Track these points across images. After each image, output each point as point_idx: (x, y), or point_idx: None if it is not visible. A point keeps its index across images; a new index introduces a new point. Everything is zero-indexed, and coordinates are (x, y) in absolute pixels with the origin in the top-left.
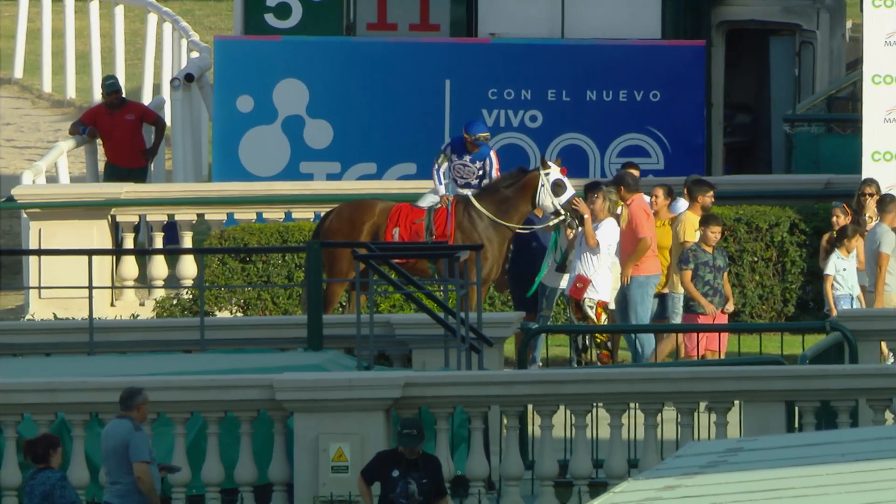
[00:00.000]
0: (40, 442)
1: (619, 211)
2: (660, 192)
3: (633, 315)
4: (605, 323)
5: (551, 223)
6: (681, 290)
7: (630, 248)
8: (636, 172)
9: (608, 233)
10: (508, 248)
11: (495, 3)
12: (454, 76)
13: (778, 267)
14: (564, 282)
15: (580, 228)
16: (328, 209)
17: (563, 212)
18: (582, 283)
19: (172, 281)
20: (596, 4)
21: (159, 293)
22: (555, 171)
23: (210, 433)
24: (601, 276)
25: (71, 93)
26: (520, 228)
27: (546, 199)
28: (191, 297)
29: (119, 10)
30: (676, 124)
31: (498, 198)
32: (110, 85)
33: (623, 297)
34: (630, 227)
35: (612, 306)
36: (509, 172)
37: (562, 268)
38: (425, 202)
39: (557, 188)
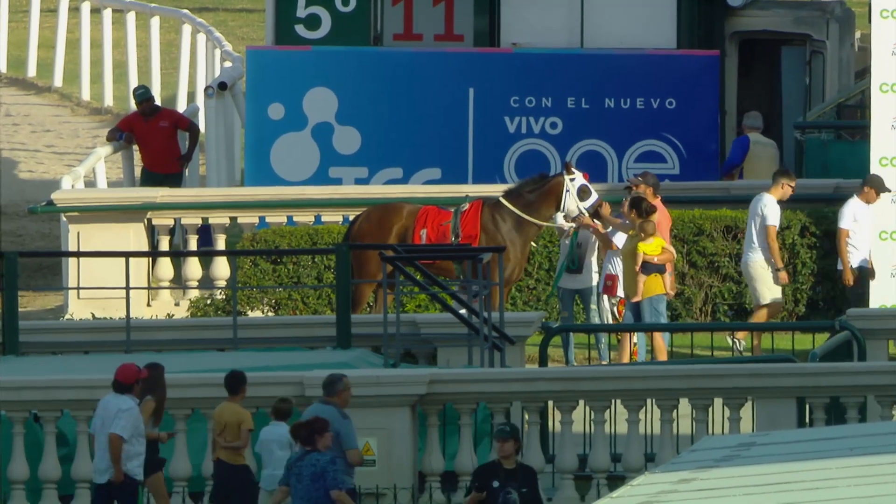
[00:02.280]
0: (308, 425)
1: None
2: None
3: (647, 315)
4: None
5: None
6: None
7: None
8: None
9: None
10: (530, 250)
11: (517, 15)
12: (477, 84)
13: (789, 268)
14: (580, 283)
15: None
16: (356, 212)
17: (586, 214)
18: (612, 280)
19: (206, 282)
20: (613, 15)
21: (194, 293)
22: (579, 177)
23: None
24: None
25: (108, 101)
26: (548, 224)
27: (572, 203)
28: (224, 297)
29: (155, 21)
30: (691, 131)
31: (522, 202)
32: (141, 94)
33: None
34: None
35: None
36: (531, 178)
37: (577, 270)
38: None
39: (583, 193)
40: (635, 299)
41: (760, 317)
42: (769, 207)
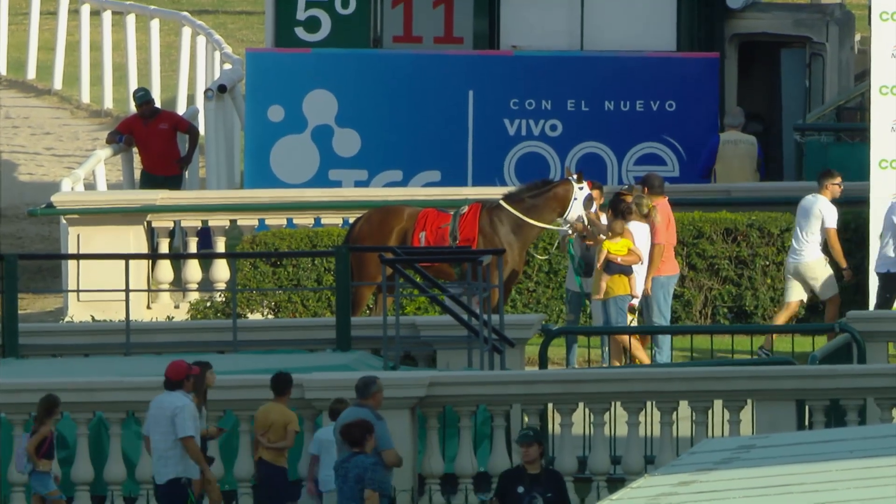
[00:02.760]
0: (357, 426)
1: (645, 211)
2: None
3: (658, 315)
4: (634, 324)
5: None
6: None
7: (651, 251)
8: (629, 198)
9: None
10: (528, 254)
11: (517, 17)
12: (477, 87)
13: None
14: (587, 287)
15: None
16: (356, 215)
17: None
18: None
19: (206, 284)
20: (613, 18)
21: (193, 296)
22: (586, 188)
23: (242, 431)
24: (638, 277)
25: (108, 103)
26: (550, 227)
27: (577, 211)
28: (224, 299)
29: (154, 24)
30: (691, 133)
31: (524, 205)
32: (141, 96)
33: (645, 298)
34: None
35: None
36: (534, 182)
37: (586, 274)
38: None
39: (589, 203)
40: (596, 297)
41: (832, 313)
42: (826, 209)
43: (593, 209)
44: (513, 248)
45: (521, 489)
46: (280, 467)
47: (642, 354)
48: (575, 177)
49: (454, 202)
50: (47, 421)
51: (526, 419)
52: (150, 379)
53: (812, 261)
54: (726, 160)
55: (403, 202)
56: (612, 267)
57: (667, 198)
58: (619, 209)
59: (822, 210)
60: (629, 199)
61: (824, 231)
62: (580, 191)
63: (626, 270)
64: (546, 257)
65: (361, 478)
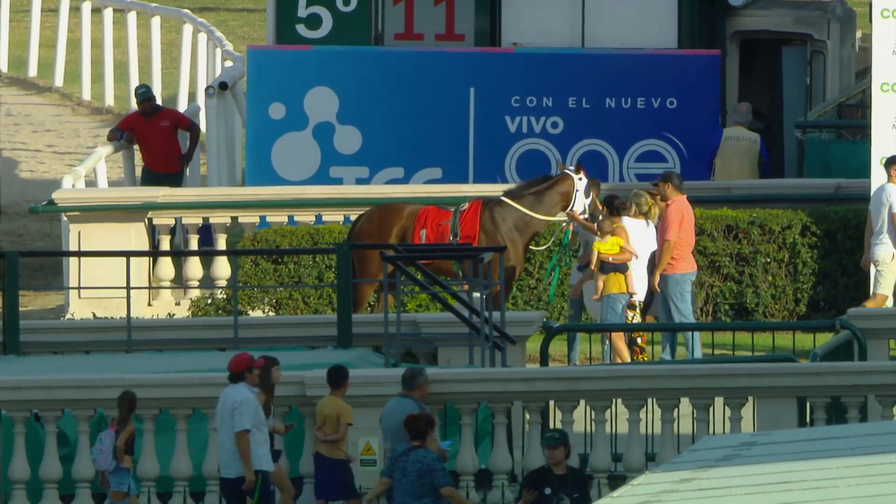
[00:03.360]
0: (422, 419)
1: (645, 209)
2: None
3: (676, 313)
4: (635, 320)
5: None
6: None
7: (660, 248)
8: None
9: (631, 232)
10: (528, 251)
11: (518, 14)
12: (478, 84)
13: (790, 268)
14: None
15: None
16: (357, 212)
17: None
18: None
19: (207, 281)
20: (615, 15)
21: (194, 293)
22: (584, 178)
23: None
24: (635, 274)
25: (109, 100)
26: (554, 220)
27: (581, 202)
28: (225, 296)
29: (155, 21)
30: (692, 130)
31: (527, 202)
32: (142, 93)
33: (663, 297)
34: (662, 227)
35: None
36: (533, 179)
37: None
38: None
39: (588, 191)
40: (594, 298)
41: (878, 303)
42: (893, 195)
43: (590, 199)
44: (516, 244)
45: (548, 490)
46: (336, 459)
47: (624, 352)
48: (573, 168)
49: (455, 199)
50: (130, 417)
51: (528, 416)
52: (152, 376)
53: (882, 251)
54: (725, 156)
55: (404, 199)
56: (605, 266)
57: (685, 195)
58: (613, 206)
59: (887, 198)
60: (657, 196)
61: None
62: (580, 181)
63: (621, 268)
64: (545, 247)
65: (425, 473)
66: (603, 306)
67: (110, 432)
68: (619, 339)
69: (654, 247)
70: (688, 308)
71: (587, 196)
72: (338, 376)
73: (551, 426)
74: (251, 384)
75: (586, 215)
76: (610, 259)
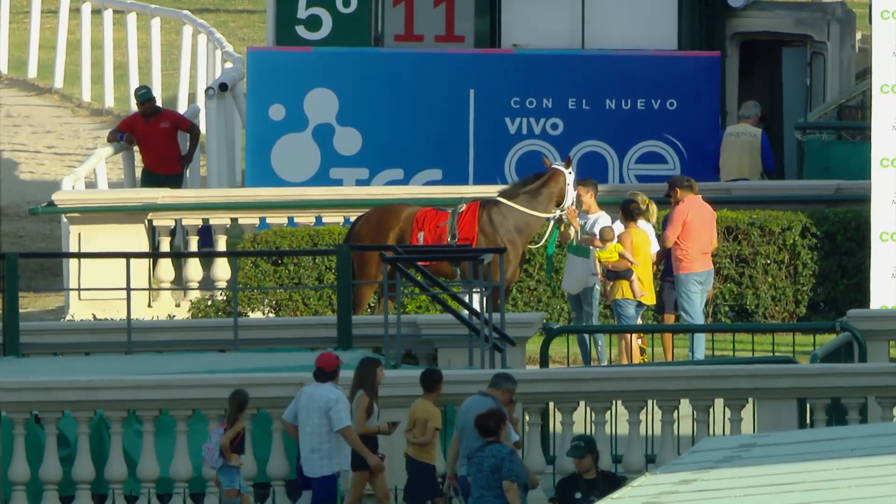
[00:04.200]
0: (493, 416)
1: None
2: (581, 191)
3: (683, 314)
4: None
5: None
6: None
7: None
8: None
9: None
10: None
11: (518, 16)
12: (478, 85)
13: (790, 269)
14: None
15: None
16: (357, 214)
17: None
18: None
19: (207, 283)
20: (615, 17)
21: (194, 294)
22: (573, 172)
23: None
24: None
25: (109, 102)
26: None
27: (571, 196)
28: (225, 298)
29: (155, 22)
30: (692, 132)
31: (523, 200)
32: (143, 94)
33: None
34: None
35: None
36: (526, 178)
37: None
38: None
39: (575, 183)
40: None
41: None
42: None
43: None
44: (515, 245)
45: (578, 495)
46: (423, 463)
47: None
48: (562, 164)
49: (455, 201)
50: (240, 416)
51: (528, 417)
52: (152, 378)
53: None
54: (726, 151)
55: (404, 201)
56: (609, 273)
57: (698, 195)
58: (628, 210)
59: None
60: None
61: None
62: (570, 175)
63: (623, 275)
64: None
65: (498, 467)
66: (614, 311)
67: (219, 430)
68: (634, 342)
69: (657, 247)
70: (694, 309)
71: (575, 189)
72: (429, 379)
73: (551, 428)
74: (336, 382)
75: (573, 205)
76: (609, 266)
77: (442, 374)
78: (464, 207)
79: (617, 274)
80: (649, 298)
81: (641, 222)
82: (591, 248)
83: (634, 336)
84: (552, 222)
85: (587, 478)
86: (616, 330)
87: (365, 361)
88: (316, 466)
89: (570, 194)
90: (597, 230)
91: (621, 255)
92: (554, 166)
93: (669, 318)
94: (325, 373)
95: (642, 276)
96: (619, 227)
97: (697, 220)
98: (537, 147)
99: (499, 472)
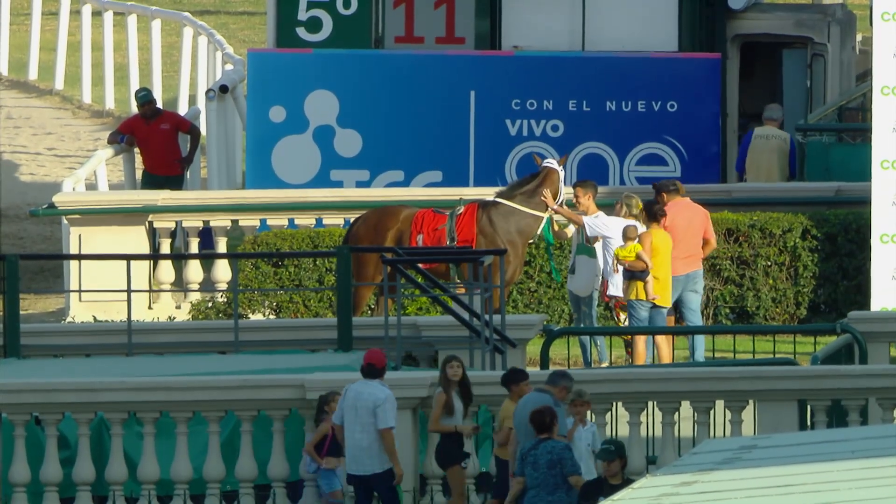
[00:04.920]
0: (547, 412)
1: (635, 212)
2: (580, 192)
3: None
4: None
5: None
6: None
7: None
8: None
9: (600, 226)
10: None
11: (518, 17)
12: (479, 87)
13: (791, 271)
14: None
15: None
16: (357, 215)
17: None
18: (603, 285)
19: (207, 284)
20: (615, 18)
21: (195, 296)
22: (563, 168)
23: (243, 431)
24: (616, 274)
25: (110, 103)
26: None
27: (562, 192)
28: (225, 300)
29: (156, 24)
30: (693, 134)
31: (520, 199)
32: (143, 96)
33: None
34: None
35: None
36: (522, 178)
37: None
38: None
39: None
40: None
41: None
42: None
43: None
44: (515, 245)
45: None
46: (505, 461)
47: (642, 357)
48: (555, 161)
49: (455, 203)
50: (325, 418)
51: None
52: (152, 380)
53: None
54: (756, 153)
55: (405, 202)
56: (625, 272)
57: (686, 197)
58: (652, 212)
59: None
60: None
61: None
62: (561, 172)
63: (638, 276)
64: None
65: (555, 463)
66: (628, 311)
67: (310, 436)
68: (640, 343)
69: None
70: (690, 312)
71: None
72: (510, 379)
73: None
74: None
75: (563, 204)
76: (626, 265)
77: (526, 373)
78: (462, 209)
79: (632, 274)
80: (664, 301)
81: (633, 222)
82: (594, 247)
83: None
84: (543, 220)
85: (612, 483)
86: (616, 332)
87: (445, 360)
88: (368, 465)
89: (562, 191)
90: (600, 232)
91: (638, 256)
92: (545, 164)
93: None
94: (375, 369)
95: (659, 277)
96: (641, 227)
97: (682, 222)
98: (538, 149)
99: (556, 468)
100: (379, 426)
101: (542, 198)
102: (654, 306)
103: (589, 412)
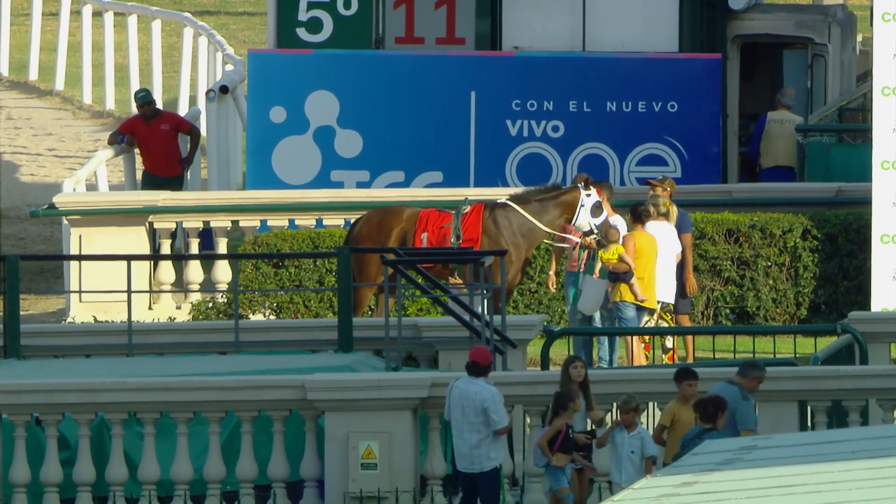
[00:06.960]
0: (714, 402)
1: (663, 210)
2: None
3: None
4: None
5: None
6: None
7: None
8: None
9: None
10: (531, 256)
11: (519, 18)
12: (479, 88)
13: (791, 271)
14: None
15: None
16: (358, 216)
17: (596, 231)
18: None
19: (208, 285)
20: (616, 19)
21: (195, 297)
22: (594, 194)
23: (244, 432)
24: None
25: (110, 104)
26: (557, 235)
27: (584, 219)
28: (226, 300)
29: (156, 25)
30: (693, 134)
31: (532, 207)
32: (142, 97)
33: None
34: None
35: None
36: (544, 186)
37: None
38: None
39: (597, 210)
40: (609, 305)
41: None
42: None
43: (603, 217)
44: (519, 247)
45: None
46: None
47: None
48: (582, 184)
49: (456, 203)
50: (562, 414)
51: (528, 420)
52: (152, 380)
53: None
54: (771, 137)
55: (405, 203)
56: (609, 275)
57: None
58: (637, 213)
59: None
60: (659, 190)
61: None
62: (588, 198)
63: (622, 277)
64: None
65: None
66: (614, 314)
67: (541, 430)
68: (636, 344)
69: (678, 247)
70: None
71: (596, 216)
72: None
73: None
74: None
75: (595, 235)
76: (610, 268)
77: (692, 371)
78: (468, 208)
79: (616, 276)
80: (651, 302)
81: (663, 223)
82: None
83: (637, 340)
84: (577, 247)
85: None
86: (617, 332)
87: (567, 360)
88: (477, 463)
89: (583, 216)
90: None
91: (620, 258)
92: (579, 185)
93: (684, 319)
94: (480, 367)
95: (644, 279)
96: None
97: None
98: (538, 150)
99: None
100: (495, 427)
101: (561, 227)
102: (639, 308)
103: (637, 418)
